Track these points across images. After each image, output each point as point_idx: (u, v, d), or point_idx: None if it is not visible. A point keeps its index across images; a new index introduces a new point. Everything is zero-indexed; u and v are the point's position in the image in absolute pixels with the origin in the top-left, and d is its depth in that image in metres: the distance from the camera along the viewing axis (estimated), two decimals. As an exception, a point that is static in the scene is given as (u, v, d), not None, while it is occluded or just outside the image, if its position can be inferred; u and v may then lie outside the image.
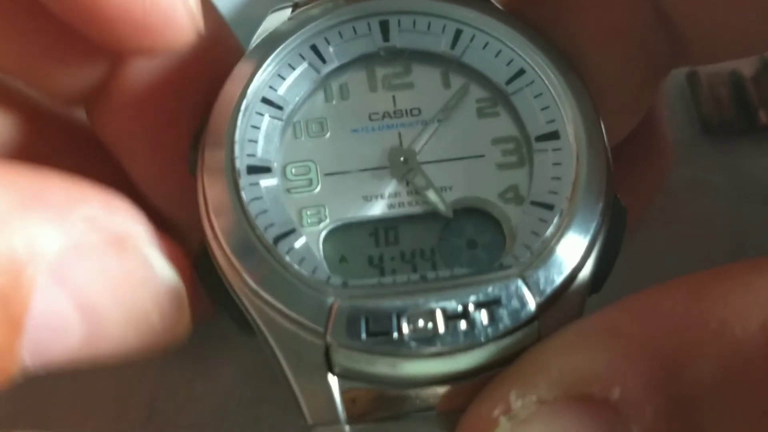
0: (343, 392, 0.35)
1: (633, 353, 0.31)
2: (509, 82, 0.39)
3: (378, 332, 0.34)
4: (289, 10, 0.41)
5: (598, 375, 0.31)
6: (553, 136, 0.38)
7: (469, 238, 0.37)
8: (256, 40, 0.40)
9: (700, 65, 0.55)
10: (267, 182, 0.37)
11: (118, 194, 0.36)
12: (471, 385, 0.34)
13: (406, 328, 0.33)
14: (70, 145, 0.44)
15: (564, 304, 0.35)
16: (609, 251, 0.37)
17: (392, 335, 0.33)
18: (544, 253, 0.35)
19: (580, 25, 0.41)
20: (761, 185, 0.54)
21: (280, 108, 0.39)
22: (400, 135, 0.39)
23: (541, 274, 0.34)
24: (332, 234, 0.37)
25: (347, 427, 0.35)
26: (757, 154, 0.55)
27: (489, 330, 0.34)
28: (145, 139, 0.41)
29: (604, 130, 0.38)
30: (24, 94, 0.43)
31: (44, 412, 0.48)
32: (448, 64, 0.40)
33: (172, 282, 0.35)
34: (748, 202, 0.53)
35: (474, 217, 0.38)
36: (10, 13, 0.38)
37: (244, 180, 0.36)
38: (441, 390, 0.35)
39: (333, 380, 0.35)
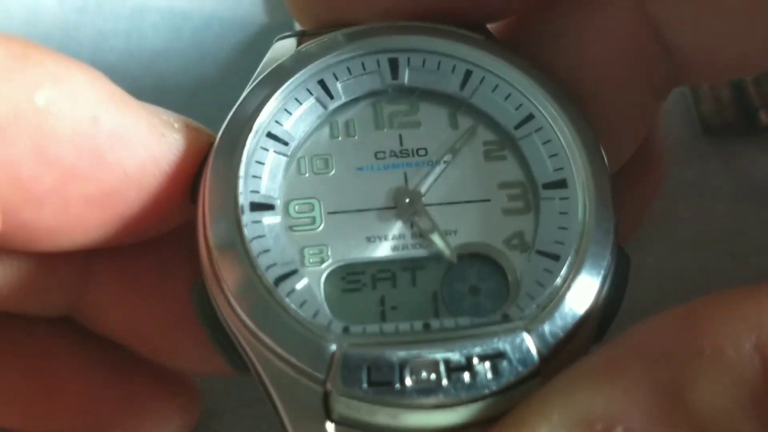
0: None
1: (633, 388, 0.31)
2: (518, 126, 0.39)
3: (380, 382, 0.33)
4: (295, 39, 0.41)
5: (600, 414, 0.31)
6: (561, 184, 0.37)
7: (472, 284, 0.37)
8: (261, 68, 0.39)
9: (699, 83, 0.56)
10: (270, 220, 0.36)
11: None
12: None
13: (408, 379, 0.33)
14: None
15: (568, 357, 0.34)
16: (613, 302, 0.36)
17: (395, 386, 0.33)
18: (550, 306, 0.34)
19: (583, 56, 0.41)
20: (761, 186, 0.54)
21: (285, 143, 0.38)
22: (405, 175, 0.38)
23: (547, 328, 0.34)
24: (334, 274, 0.36)
25: None
26: (757, 155, 0.55)
27: (492, 383, 0.33)
28: (144, 317, 0.42)
29: (610, 180, 0.38)
30: None
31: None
32: (456, 104, 0.39)
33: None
34: (748, 202, 0.54)
35: (477, 262, 0.37)
36: None
37: (247, 217, 0.36)
38: None
39: (330, 427, 0.34)
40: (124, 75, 0.38)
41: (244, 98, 0.38)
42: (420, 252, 0.37)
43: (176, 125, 0.37)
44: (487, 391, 0.33)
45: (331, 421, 0.34)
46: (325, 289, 0.36)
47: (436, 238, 0.37)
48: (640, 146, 0.45)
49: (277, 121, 0.38)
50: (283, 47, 0.40)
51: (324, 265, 0.36)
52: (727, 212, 0.53)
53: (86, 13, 0.60)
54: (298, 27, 0.43)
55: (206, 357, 0.38)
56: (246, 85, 0.39)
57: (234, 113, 0.38)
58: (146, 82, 0.58)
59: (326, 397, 0.34)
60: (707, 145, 0.55)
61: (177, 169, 0.37)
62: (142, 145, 0.36)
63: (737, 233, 0.52)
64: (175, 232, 0.40)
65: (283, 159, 0.38)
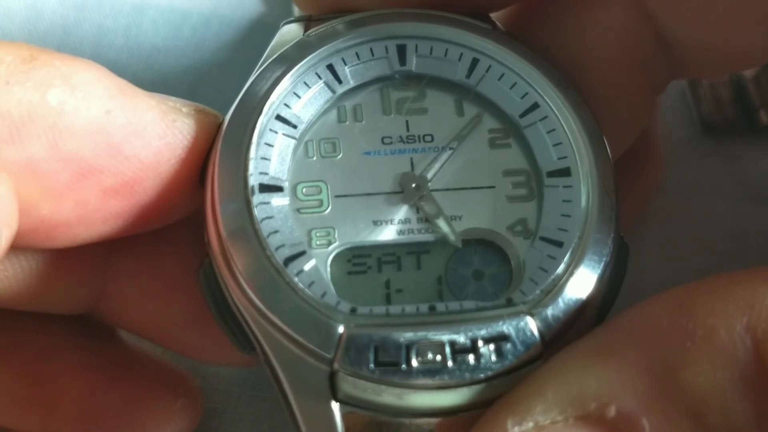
0: (343, 415, 0.34)
1: (626, 369, 0.31)
2: (523, 115, 0.39)
3: (387, 362, 0.33)
4: (302, 24, 0.41)
5: (594, 394, 0.31)
6: (565, 172, 0.38)
7: (475, 269, 0.37)
8: (269, 52, 0.40)
9: (696, 78, 0.56)
10: (278, 201, 0.37)
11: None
12: (468, 416, 0.34)
13: (415, 360, 0.33)
14: None
15: (569, 341, 0.34)
16: (612, 288, 0.37)
17: (401, 366, 0.33)
18: (553, 291, 0.35)
19: (582, 48, 0.42)
20: (761, 186, 0.55)
21: (294, 126, 0.38)
22: (412, 160, 0.38)
23: (550, 312, 0.34)
24: (341, 257, 0.37)
25: None
26: (757, 155, 0.56)
27: (496, 365, 0.33)
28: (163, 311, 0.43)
29: (613, 169, 0.38)
30: None
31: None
32: (462, 92, 0.40)
33: None
34: (748, 202, 0.54)
35: (482, 248, 0.38)
36: None
37: (257, 198, 0.36)
38: (438, 419, 0.35)
39: (335, 406, 0.34)
40: (124, 71, 0.38)
41: (253, 81, 0.38)
42: (425, 236, 0.37)
43: (184, 110, 0.38)
44: (490, 373, 0.33)
45: (337, 400, 0.34)
46: (331, 270, 0.36)
47: (442, 223, 0.37)
48: (639, 141, 0.46)
49: (286, 104, 0.38)
50: (290, 31, 0.40)
51: (331, 248, 0.37)
52: (727, 212, 0.53)
53: (86, 9, 0.60)
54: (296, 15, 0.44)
55: (228, 347, 0.38)
56: (245, 84, 0.39)
57: (243, 96, 0.38)
58: (146, 79, 0.59)
59: (333, 377, 0.34)
60: (707, 145, 0.56)
61: (190, 153, 0.37)
62: (156, 134, 0.37)
63: (737, 233, 0.53)
64: (190, 223, 0.40)
65: (292, 142, 0.38)
